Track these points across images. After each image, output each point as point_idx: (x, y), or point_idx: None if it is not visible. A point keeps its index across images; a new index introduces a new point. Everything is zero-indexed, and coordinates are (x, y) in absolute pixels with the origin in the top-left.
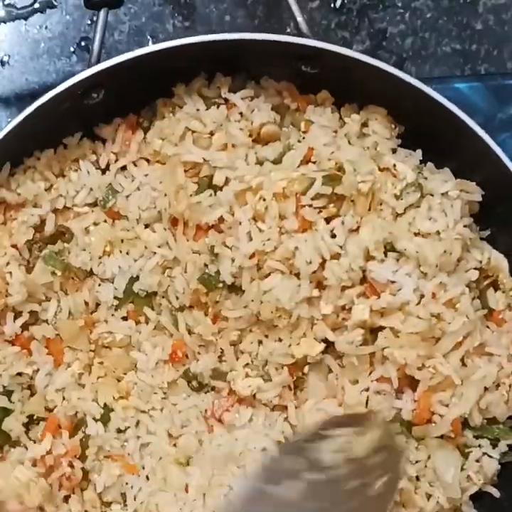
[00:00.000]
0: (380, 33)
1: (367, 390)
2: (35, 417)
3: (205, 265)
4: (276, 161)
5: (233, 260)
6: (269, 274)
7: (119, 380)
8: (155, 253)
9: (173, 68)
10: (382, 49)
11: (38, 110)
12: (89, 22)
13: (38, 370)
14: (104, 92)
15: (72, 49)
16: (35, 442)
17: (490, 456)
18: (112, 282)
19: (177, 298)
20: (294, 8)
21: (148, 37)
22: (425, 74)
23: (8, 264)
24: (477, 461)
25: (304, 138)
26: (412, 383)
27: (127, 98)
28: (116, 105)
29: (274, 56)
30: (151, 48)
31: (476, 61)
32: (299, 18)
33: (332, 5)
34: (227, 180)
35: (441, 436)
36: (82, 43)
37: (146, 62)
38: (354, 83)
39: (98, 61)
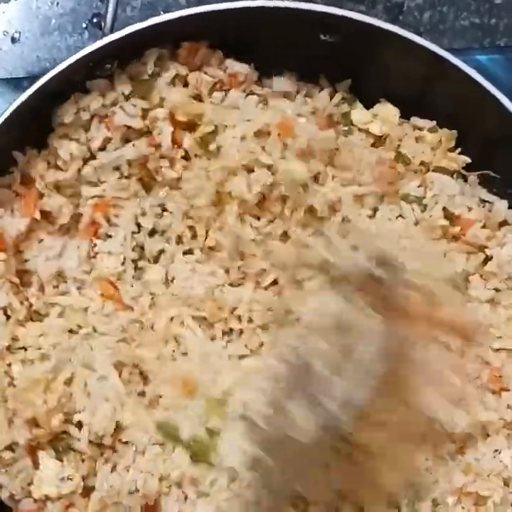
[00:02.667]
0: (397, 7)
1: None
2: None
3: None
4: None
5: None
6: None
7: None
8: None
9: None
10: (399, 23)
11: (50, 82)
12: None
13: None
14: (118, 64)
15: (83, 25)
16: None
17: None
18: None
19: None
20: None
21: (161, 12)
22: (444, 48)
23: None
24: None
25: None
26: None
27: None
28: None
29: (294, 25)
30: (165, 16)
31: (495, 35)
32: None
33: None
34: None
35: None
36: (94, 20)
37: (159, 33)
38: (374, 55)
39: (111, 30)
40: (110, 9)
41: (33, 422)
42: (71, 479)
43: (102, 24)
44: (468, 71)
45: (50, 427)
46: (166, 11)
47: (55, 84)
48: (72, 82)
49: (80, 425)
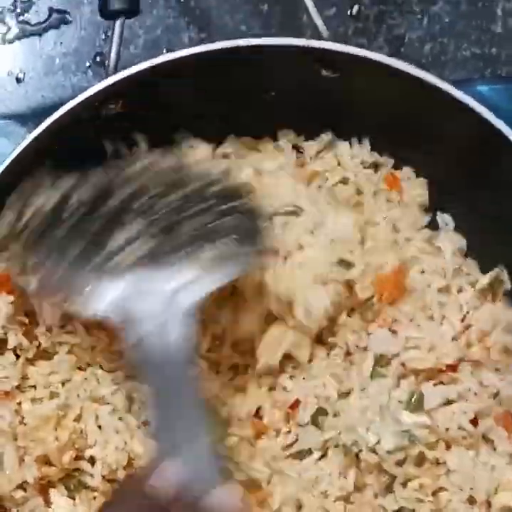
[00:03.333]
0: (398, 40)
1: None
2: None
3: None
4: None
5: None
6: None
7: None
8: None
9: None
10: (401, 55)
11: (55, 124)
12: (103, 37)
13: None
14: (122, 103)
15: (87, 64)
16: None
17: None
18: None
19: None
20: (312, 11)
21: (164, 50)
22: (445, 79)
23: None
24: None
25: None
26: None
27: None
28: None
29: (294, 62)
30: (169, 55)
31: (497, 64)
32: (319, 22)
33: (349, 12)
34: None
35: None
36: (98, 59)
37: (162, 72)
38: (375, 88)
39: (115, 71)
40: (114, 48)
41: (44, 460)
42: None
43: (106, 63)
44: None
45: (61, 463)
46: (169, 49)
47: (62, 123)
48: (79, 122)
49: (92, 460)
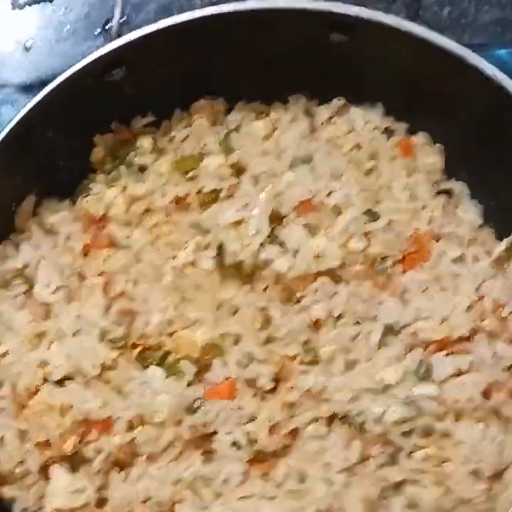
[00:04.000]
0: (416, 3)
1: None
2: None
3: None
4: None
5: None
6: None
7: None
8: None
9: (200, 43)
10: (419, 19)
11: (57, 90)
12: (113, 3)
13: None
14: (126, 69)
15: (97, 31)
16: None
17: None
18: None
19: None
20: None
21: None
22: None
23: None
24: None
25: None
26: None
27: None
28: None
29: (303, 25)
30: (172, 19)
31: None
32: None
33: None
34: None
35: None
36: (107, 26)
37: (168, 37)
38: (385, 52)
39: (118, 36)
40: (116, 13)
41: (46, 444)
42: (84, 491)
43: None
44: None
45: (62, 450)
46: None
47: (64, 91)
48: (84, 87)
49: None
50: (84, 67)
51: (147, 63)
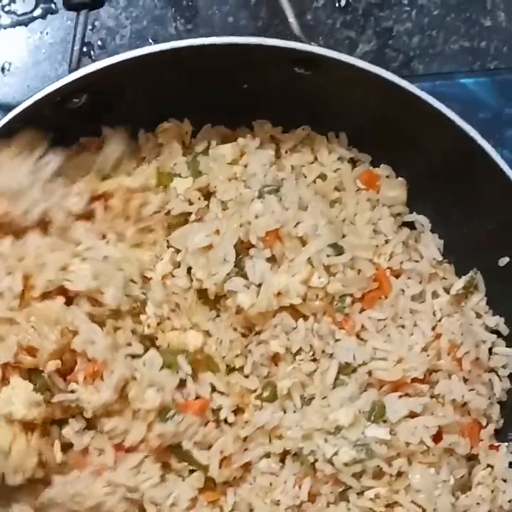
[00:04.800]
0: (387, 32)
1: None
2: None
3: None
4: None
5: None
6: None
7: None
8: None
9: (161, 76)
10: (389, 48)
11: (17, 118)
12: (91, 27)
13: None
14: (87, 96)
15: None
16: None
17: None
18: None
19: None
20: (285, 7)
21: (150, 41)
22: (432, 72)
23: None
24: None
25: None
26: None
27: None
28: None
29: (268, 60)
30: (130, 53)
31: (486, 58)
32: (291, 20)
33: (337, 4)
34: None
35: None
36: (84, 48)
37: (130, 68)
38: (346, 87)
39: (78, 65)
40: (77, 41)
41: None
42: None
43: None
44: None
45: (44, 366)
46: (155, 40)
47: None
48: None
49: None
50: (43, 98)
51: (111, 91)
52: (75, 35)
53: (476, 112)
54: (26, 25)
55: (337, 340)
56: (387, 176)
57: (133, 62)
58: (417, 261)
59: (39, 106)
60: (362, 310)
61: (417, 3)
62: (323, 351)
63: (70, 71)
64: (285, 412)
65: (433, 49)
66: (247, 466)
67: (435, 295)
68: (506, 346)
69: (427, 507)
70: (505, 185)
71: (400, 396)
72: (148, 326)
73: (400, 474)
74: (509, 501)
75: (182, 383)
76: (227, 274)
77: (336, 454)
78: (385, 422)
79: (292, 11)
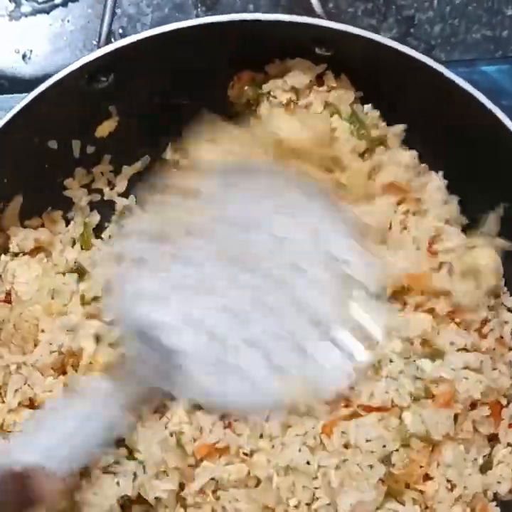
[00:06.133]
0: (408, 20)
1: None
2: None
3: None
4: None
5: None
6: None
7: None
8: None
9: (185, 55)
10: (411, 36)
11: (43, 95)
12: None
13: None
14: (114, 77)
15: (94, 42)
16: None
17: None
18: None
19: None
20: None
21: None
22: (454, 59)
23: None
24: None
25: None
26: None
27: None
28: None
29: (290, 40)
30: (158, 29)
31: (508, 47)
32: (314, 0)
33: None
34: None
35: None
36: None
37: (157, 45)
38: (370, 66)
39: (107, 43)
40: (105, 21)
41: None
42: None
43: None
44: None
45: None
46: None
47: (51, 98)
48: (73, 94)
49: None
50: (69, 74)
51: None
52: (103, 14)
53: (498, 99)
54: (47, 13)
55: None
56: None
57: (159, 40)
58: None
59: (66, 82)
60: None
61: None
62: None
63: (99, 48)
64: None
65: (455, 38)
66: None
67: None
68: None
69: (458, 483)
70: None
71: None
72: None
73: (433, 449)
74: None
75: None
76: None
77: None
78: None
79: None
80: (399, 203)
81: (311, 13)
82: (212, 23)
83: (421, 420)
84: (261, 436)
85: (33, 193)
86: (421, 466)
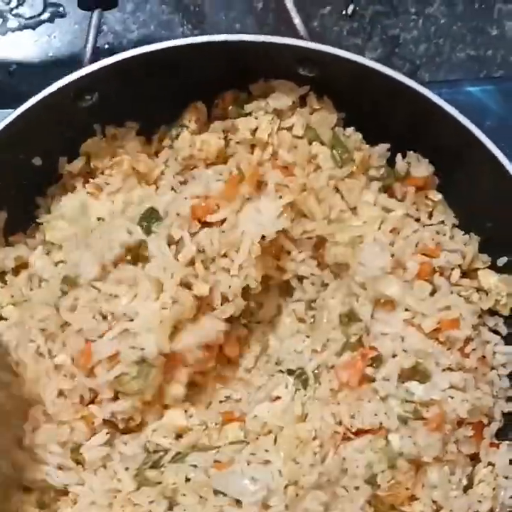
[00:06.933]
0: (393, 40)
1: None
2: None
3: None
4: None
5: None
6: None
7: None
8: None
9: (170, 72)
10: (395, 56)
11: (28, 112)
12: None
13: None
14: (98, 95)
15: (80, 58)
16: None
17: None
18: None
19: None
20: (290, 7)
21: None
22: (438, 80)
23: None
24: None
25: None
26: None
27: (127, 104)
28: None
29: (274, 60)
30: (145, 48)
31: (492, 67)
32: (296, 20)
33: (344, 12)
34: None
35: None
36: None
37: (142, 64)
38: (353, 88)
39: (92, 63)
40: (91, 35)
41: None
42: None
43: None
44: (446, 107)
45: None
46: None
47: (36, 115)
48: (58, 111)
49: None
50: (54, 92)
51: (119, 87)
52: (88, 31)
53: (482, 119)
54: (34, 28)
55: None
56: None
57: (144, 58)
58: None
59: (51, 101)
60: None
61: (424, 11)
62: None
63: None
64: None
65: (439, 57)
66: None
67: None
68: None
69: (444, 505)
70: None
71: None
72: None
73: (418, 468)
74: (510, 497)
75: None
76: None
77: None
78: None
79: (298, 13)
80: None
81: (297, 32)
82: (197, 43)
83: (412, 442)
84: None
85: (17, 209)
86: (407, 488)
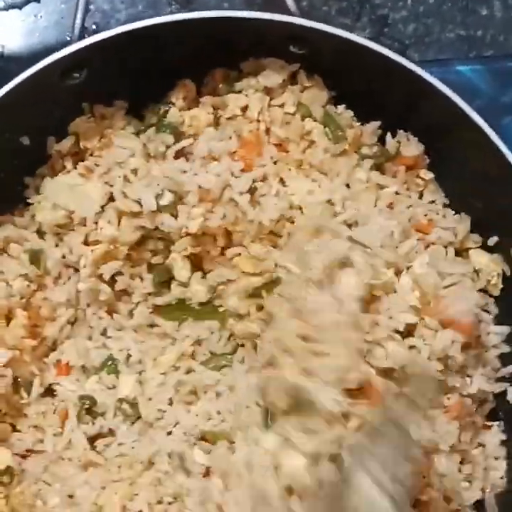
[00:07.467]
0: (382, 20)
1: None
2: None
3: None
4: None
5: None
6: None
7: None
8: None
9: (160, 49)
10: (384, 36)
11: (15, 91)
12: (85, 11)
13: None
14: (86, 73)
15: (67, 38)
16: None
17: None
18: None
19: None
20: None
21: None
22: (428, 59)
23: None
24: None
25: None
26: None
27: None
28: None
29: (264, 37)
30: (133, 25)
31: (482, 47)
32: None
33: None
34: None
35: None
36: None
37: (131, 41)
38: (343, 65)
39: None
40: (78, 16)
41: None
42: None
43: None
44: (438, 85)
45: None
46: None
47: (23, 93)
48: (45, 90)
49: None
50: (41, 69)
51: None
52: (76, 9)
53: (472, 99)
54: (20, 8)
55: None
56: None
57: (132, 36)
58: None
59: (41, 76)
60: None
61: None
62: None
63: (72, 43)
64: None
65: (429, 37)
66: None
67: None
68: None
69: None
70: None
71: None
72: None
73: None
74: (501, 478)
75: None
76: None
77: None
78: None
79: None
80: None
81: (286, 10)
82: (186, 20)
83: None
84: None
85: (5, 189)
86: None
